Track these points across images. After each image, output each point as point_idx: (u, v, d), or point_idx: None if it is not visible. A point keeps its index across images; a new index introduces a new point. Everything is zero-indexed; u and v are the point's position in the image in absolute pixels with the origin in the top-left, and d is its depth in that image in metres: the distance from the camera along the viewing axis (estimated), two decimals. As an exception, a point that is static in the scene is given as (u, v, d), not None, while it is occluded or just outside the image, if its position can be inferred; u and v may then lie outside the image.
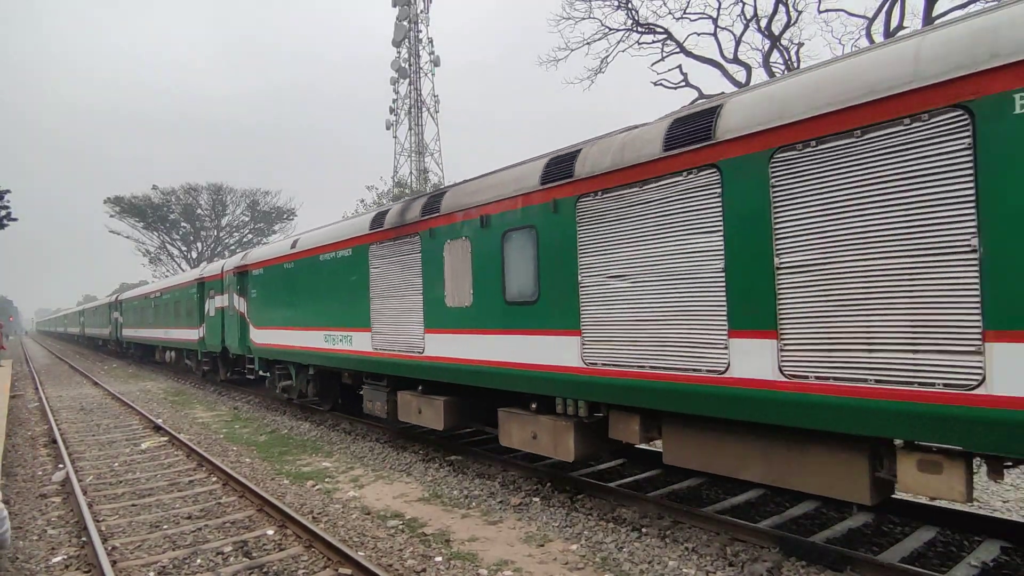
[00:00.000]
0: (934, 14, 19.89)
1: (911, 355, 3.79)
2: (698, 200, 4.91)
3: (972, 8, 19.69)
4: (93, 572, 5.26)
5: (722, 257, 4.73)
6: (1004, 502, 6.21)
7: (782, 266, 4.37)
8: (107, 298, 39.01)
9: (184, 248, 77.68)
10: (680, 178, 5.05)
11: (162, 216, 74.14)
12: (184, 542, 5.83)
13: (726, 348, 4.70)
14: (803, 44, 22.29)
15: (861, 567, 4.62)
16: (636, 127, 5.79)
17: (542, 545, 5.50)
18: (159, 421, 12.12)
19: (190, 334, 18.53)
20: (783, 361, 4.36)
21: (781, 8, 21.52)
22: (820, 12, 22.57)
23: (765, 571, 4.72)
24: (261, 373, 13.98)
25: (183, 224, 76.26)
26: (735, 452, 5.00)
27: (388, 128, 70.03)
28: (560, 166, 6.19)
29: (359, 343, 9.47)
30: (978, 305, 3.50)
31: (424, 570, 5.00)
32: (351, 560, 5.00)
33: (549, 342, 6.26)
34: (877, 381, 3.92)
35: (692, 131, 5.01)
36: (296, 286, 11.51)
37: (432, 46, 69.88)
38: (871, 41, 21.25)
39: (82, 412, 14.30)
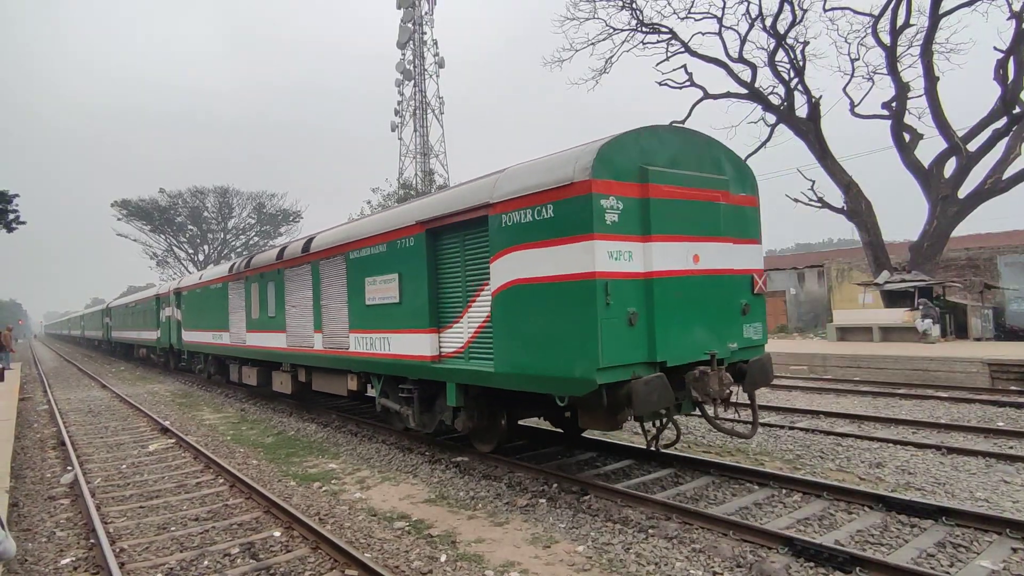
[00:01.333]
0: (940, 12, 19.78)
1: (342, 339, 9.94)
2: (308, 276, 11.26)
3: (978, 4, 19.54)
4: (101, 574, 5.28)
5: (312, 299, 11.05)
6: (1014, 502, 6.16)
7: (321, 304, 10.71)
8: (100, 306, 45.64)
9: (191, 251, 78.06)
10: (307, 265, 11.29)
11: (169, 219, 74.51)
12: (191, 544, 5.85)
13: (312, 336, 11.06)
14: (808, 43, 22.22)
15: (870, 568, 4.58)
16: (295, 241, 12.85)
17: (548, 546, 5.48)
18: (166, 423, 12.17)
19: (152, 335, 24.61)
20: (324, 342, 10.58)
21: (786, 7, 21.45)
22: (826, 10, 22.51)
23: (773, 572, 4.69)
24: (197, 367, 19.63)
25: (190, 227, 76.63)
26: (326, 381, 11.13)
27: (393, 130, 70.11)
28: (282, 252, 12.42)
29: (225, 339, 15.80)
30: (319, 321, 10.82)
31: (430, 571, 4.99)
32: (357, 562, 5.00)
33: (278, 336, 12.46)
34: (338, 348, 10.14)
35: (305, 247, 11.37)
36: (201, 304, 17.85)
37: (437, 47, 69.92)
38: (877, 40, 21.14)
39: (90, 414, 14.39)
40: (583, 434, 9.01)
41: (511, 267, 6.63)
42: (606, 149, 6.11)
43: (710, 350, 6.58)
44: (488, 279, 7.00)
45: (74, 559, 5.64)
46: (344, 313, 9.98)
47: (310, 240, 11.40)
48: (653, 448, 7.45)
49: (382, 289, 8.92)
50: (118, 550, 5.67)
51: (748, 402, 7.42)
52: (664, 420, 7.15)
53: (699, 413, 7.07)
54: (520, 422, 9.18)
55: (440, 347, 7.95)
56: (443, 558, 5.26)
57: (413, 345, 8.23)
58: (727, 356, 6.92)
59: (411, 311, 8.29)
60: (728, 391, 6.70)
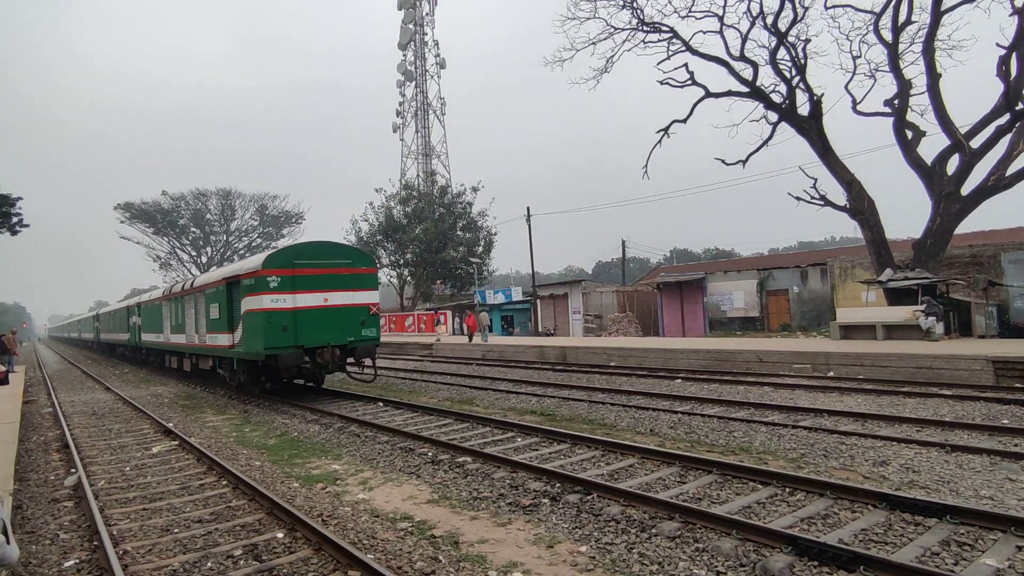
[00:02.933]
0: (942, 8, 19.72)
1: (203, 338, 18.24)
2: (192, 301, 19.04)
3: (981, 1, 19.47)
4: (105, 576, 5.28)
5: (194, 315, 18.83)
6: (1019, 500, 6.13)
7: (197, 318, 18.74)
8: (91, 312, 56.95)
9: (194, 253, 78.18)
10: (192, 295, 19.12)
11: (172, 221, 74.70)
12: (195, 545, 5.85)
13: (195, 336, 18.83)
14: (809, 41, 22.18)
15: (874, 566, 4.56)
16: (191, 280, 21.50)
17: (551, 546, 5.47)
18: (170, 425, 12.19)
19: (125, 336, 32.13)
20: (198, 340, 18.63)
21: (787, 5, 21.39)
22: (827, 8, 22.47)
23: (777, 571, 4.67)
24: (150, 359, 28.03)
25: (193, 229, 76.84)
26: (201, 362, 19.13)
27: (395, 131, 70.06)
28: (183, 286, 20.41)
29: (161, 339, 23.42)
30: (197, 328, 19.06)
31: (433, 572, 4.99)
32: (360, 563, 4.99)
33: (182, 336, 20.10)
34: (203, 343, 18.26)
35: (192, 284, 19.53)
36: (150, 315, 25.59)
37: (438, 48, 69.86)
38: (879, 37, 21.09)
39: (94, 417, 14.41)
40: (322, 385, 16.88)
41: (246, 304, 14.47)
42: (269, 256, 14.40)
43: (328, 341, 14.41)
44: (248, 310, 14.48)
45: (78, 561, 5.65)
46: (204, 324, 17.85)
47: (195, 280, 20.05)
48: (320, 387, 16.66)
49: (215, 311, 16.86)
50: (121, 552, 5.67)
51: (371, 365, 15.67)
52: (318, 374, 15.27)
53: (346, 372, 15.62)
54: (294, 381, 16.47)
55: (232, 341, 15.61)
56: (446, 559, 5.25)
57: (224, 340, 16.15)
58: (344, 343, 14.72)
59: (223, 323, 16.16)
60: (339, 359, 14.72)
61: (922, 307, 18.33)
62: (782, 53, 22.13)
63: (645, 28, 23.91)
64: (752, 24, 22.33)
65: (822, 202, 22.42)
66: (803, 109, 22.24)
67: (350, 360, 15.13)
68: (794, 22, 21.63)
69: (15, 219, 32.70)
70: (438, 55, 68.63)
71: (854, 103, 22.55)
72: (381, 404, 13.96)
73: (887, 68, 21.37)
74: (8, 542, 2.91)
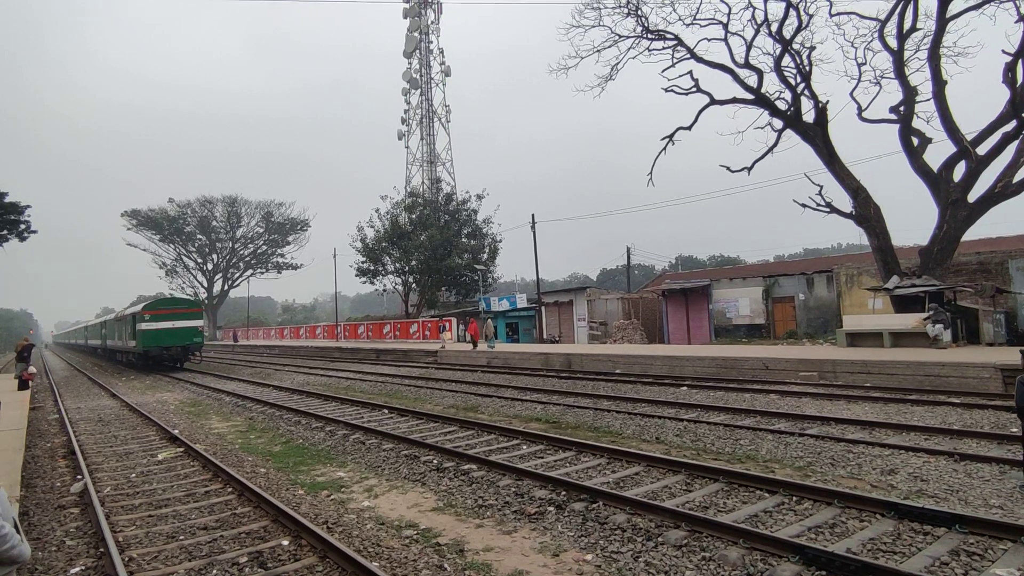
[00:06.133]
0: (948, 15, 19.72)
1: (125, 342, 38.19)
2: (123, 323, 37.86)
3: (986, 8, 19.46)
4: (110, 583, 5.29)
5: (123, 330, 37.63)
6: (1030, 509, 6.07)
7: (124, 332, 37.70)
8: (82, 324, 74.38)
9: (200, 260, 78.51)
10: (123, 319, 38.00)
11: (178, 229, 75.08)
12: (200, 553, 5.85)
13: (127, 343, 36.29)
14: (814, 47, 22.20)
15: (883, 577, 4.54)
16: (120, 311, 44.95)
17: (557, 555, 5.45)
18: (175, 432, 12.21)
19: (99, 342, 48.30)
20: (125, 343, 36.98)
21: (792, 12, 21.43)
22: (832, 15, 22.48)
23: (784, 581, 4.65)
24: (110, 356, 44.37)
25: (199, 236, 77.19)
26: (132, 357, 36.04)
27: (400, 138, 70.30)
28: (118, 314, 42.01)
29: (111, 343, 42.29)
30: (126, 336, 37.38)
31: (439, 580, 4.97)
32: (366, 570, 4.98)
33: (119, 342, 38.86)
34: (127, 344, 37.56)
35: (122, 313, 40.01)
36: (108, 328, 44.39)
37: (443, 56, 70.16)
38: (884, 44, 21.09)
39: (100, 423, 14.47)
40: (182, 365, 33.30)
41: (138, 326, 31.68)
42: (146, 304, 34.09)
43: (176, 343, 31.70)
44: (138, 328, 31.53)
45: (83, 568, 5.66)
46: (126, 334, 34.96)
47: (124, 311, 38.46)
48: (179, 366, 33.02)
49: (129, 329, 34.36)
50: (127, 559, 5.68)
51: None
52: (175, 360, 32.63)
53: (189, 359, 33.42)
54: (168, 364, 32.75)
55: (135, 344, 31.97)
56: (451, 567, 5.23)
57: (132, 344, 32.94)
58: (184, 344, 32.00)
59: (132, 335, 33.03)
60: (180, 353, 32.37)
61: (929, 314, 18.24)
62: (787, 60, 22.16)
63: (650, 36, 23.98)
64: (757, 31, 22.38)
65: (828, 209, 22.35)
66: (808, 116, 22.24)
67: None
68: (799, 29, 21.66)
69: (23, 226, 33.05)
70: (443, 63, 68.99)
71: (860, 110, 22.53)
72: (386, 411, 14.01)
73: (892, 75, 21.36)
74: (21, 540, 2.93)
